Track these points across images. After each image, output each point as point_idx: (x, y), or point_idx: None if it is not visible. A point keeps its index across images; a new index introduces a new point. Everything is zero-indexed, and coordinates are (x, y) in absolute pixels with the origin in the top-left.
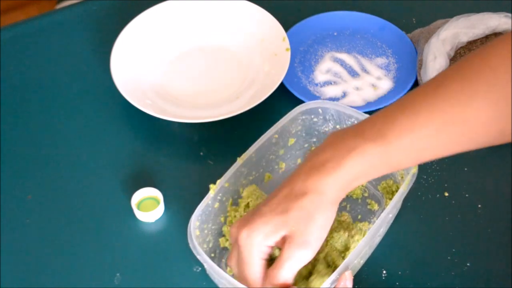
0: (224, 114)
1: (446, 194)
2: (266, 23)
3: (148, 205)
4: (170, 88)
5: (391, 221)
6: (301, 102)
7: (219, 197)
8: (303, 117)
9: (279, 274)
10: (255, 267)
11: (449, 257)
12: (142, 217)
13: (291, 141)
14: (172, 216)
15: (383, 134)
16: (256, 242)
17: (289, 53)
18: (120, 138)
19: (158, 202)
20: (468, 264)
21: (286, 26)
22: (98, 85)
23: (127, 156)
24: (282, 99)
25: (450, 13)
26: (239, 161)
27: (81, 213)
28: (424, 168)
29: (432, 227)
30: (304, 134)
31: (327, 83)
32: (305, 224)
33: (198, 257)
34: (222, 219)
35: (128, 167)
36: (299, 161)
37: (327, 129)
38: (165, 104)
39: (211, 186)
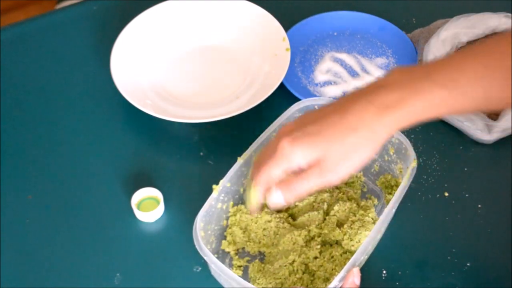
0: (224, 114)
1: (446, 194)
2: (266, 23)
3: (148, 205)
4: (170, 88)
5: (392, 216)
6: None
7: (221, 198)
8: (300, 114)
9: (294, 187)
10: (278, 170)
11: (449, 257)
12: (142, 217)
13: None
14: (172, 216)
15: (455, 78)
16: (292, 156)
17: (289, 53)
18: (120, 138)
19: (158, 202)
20: (468, 264)
21: (286, 26)
22: (98, 85)
23: (127, 156)
24: (282, 99)
25: (450, 13)
26: (240, 160)
27: (81, 213)
28: (424, 168)
29: (432, 227)
30: None
31: (327, 83)
32: (340, 160)
33: (205, 258)
34: (224, 222)
35: (128, 167)
36: None
37: None
38: (165, 104)
39: (214, 186)
